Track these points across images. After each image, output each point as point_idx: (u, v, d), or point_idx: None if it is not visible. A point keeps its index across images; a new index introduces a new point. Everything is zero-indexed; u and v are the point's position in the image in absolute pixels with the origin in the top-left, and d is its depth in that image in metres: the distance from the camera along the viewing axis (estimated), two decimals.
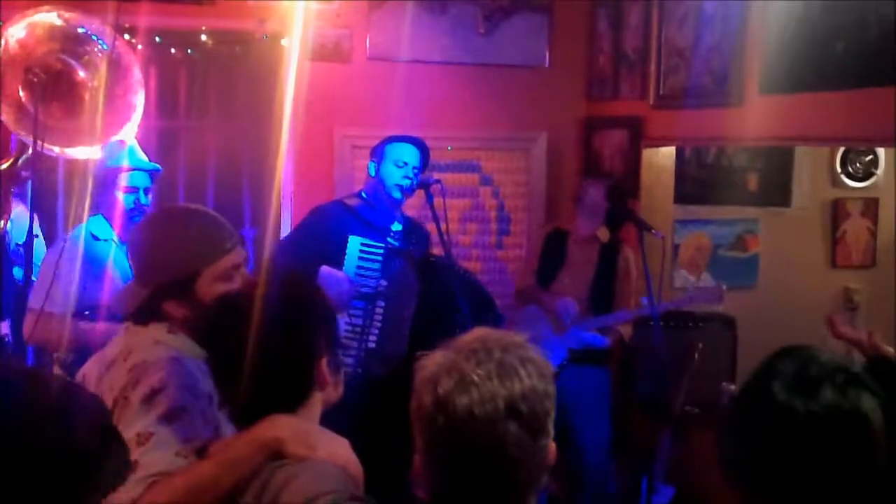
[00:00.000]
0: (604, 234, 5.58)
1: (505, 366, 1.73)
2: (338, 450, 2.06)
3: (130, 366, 2.38)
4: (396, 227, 4.81)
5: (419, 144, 4.81)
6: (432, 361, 1.78)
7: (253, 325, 2.06)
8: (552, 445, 1.79)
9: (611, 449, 5.49)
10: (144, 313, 2.52)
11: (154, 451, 2.19)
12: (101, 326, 4.03)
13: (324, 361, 2.13)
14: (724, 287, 5.31)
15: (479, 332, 1.83)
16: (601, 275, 5.52)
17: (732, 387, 5.44)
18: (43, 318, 3.92)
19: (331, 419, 2.19)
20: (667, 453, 5.21)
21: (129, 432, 2.19)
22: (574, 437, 5.35)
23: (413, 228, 4.91)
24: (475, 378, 1.71)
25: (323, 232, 4.69)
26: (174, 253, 2.51)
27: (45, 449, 1.15)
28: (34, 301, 3.99)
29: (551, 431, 1.78)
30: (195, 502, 2.05)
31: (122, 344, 2.52)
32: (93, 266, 4.14)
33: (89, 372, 2.55)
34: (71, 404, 1.26)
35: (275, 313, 2.08)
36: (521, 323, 5.41)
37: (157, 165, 4.46)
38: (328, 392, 2.16)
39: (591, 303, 5.46)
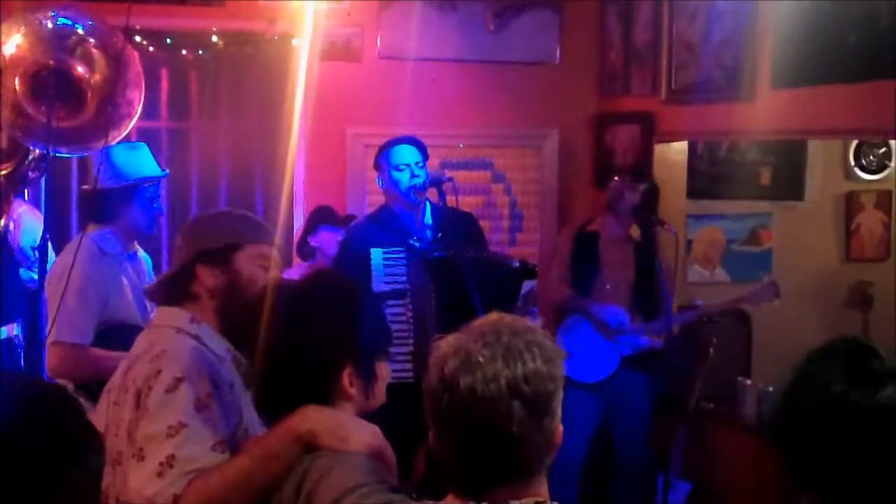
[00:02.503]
0: (636, 231, 5.49)
1: (511, 348, 1.76)
2: (370, 439, 2.08)
3: (152, 356, 2.38)
4: (422, 226, 4.77)
5: (412, 141, 4.80)
6: (445, 343, 1.82)
7: (275, 328, 2.14)
8: (559, 427, 1.82)
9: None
10: (177, 285, 2.57)
11: (189, 445, 2.19)
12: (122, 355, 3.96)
13: (346, 372, 2.13)
14: (778, 283, 5.32)
15: (493, 317, 1.86)
16: (642, 275, 5.41)
17: (748, 381, 5.44)
18: (64, 350, 3.81)
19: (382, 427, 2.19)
20: (683, 449, 5.19)
21: (158, 423, 2.22)
22: (617, 441, 5.36)
23: (448, 219, 4.84)
24: (480, 359, 1.75)
25: (353, 250, 4.70)
26: (223, 222, 2.68)
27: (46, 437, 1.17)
28: (56, 333, 3.81)
29: (558, 413, 1.81)
30: (234, 498, 2.09)
31: (145, 339, 2.53)
32: (109, 285, 4.01)
33: (115, 376, 2.53)
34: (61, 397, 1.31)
35: (295, 318, 2.13)
36: (566, 335, 5.31)
37: (166, 172, 4.40)
38: (359, 401, 2.16)
39: (635, 305, 5.38)
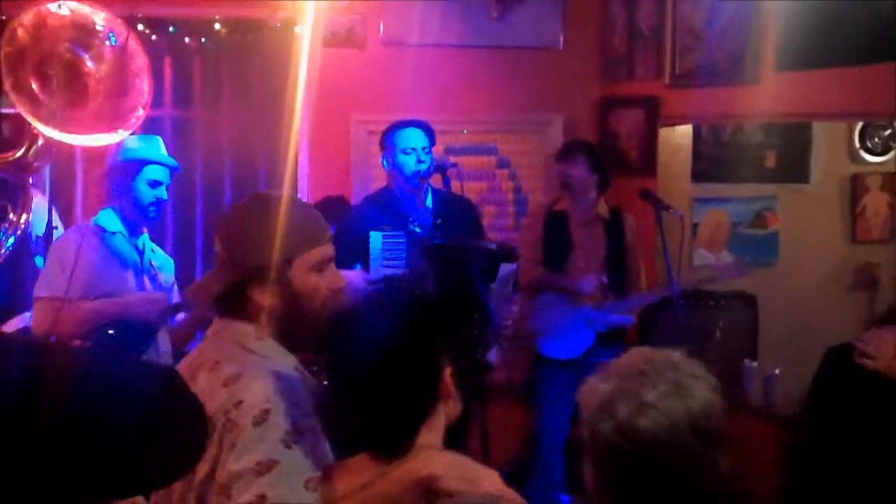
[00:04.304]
0: (603, 208, 5.51)
1: (679, 384, 1.73)
2: (497, 482, 1.91)
3: (224, 380, 2.17)
4: (423, 212, 4.76)
5: (420, 125, 4.80)
6: (597, 390, 1.76)
7: (372, 336, 1.96)
8: (727, 460, 1.78)
9: None
10: (229, 301, 2.30)
11: (282, 484, 2.00)
12: (113, 300, 4.02)
13: (448, 372, 2.00)
14: (747, 260, 5.32)
15: (640, 353, 1.82)
16: (613, 252, 5.46)
17: (755, 364, 5.44)
18: (46, 305, 3.90)
19: None
20: None
21: (246, 460, 2.02)
22: None
23: (449, 205, 4.86)
24: (652, 399, 1.70)
25: (351, 232, 4.67)
26: (270, 235, 2.26)
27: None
28: (43, 289, 3.96)
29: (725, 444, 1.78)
30: None
31: (208, 350, 2.33)
32: (106, 258, 4.12)
33: None
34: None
35: (397, 322, 1.98)
36: (540, 314, 5.36)
37: (177, 164, 4.45)
38: (450, 406, 2.03)
39: (608, 282, 5.40)
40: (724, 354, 5.31)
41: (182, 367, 2.29)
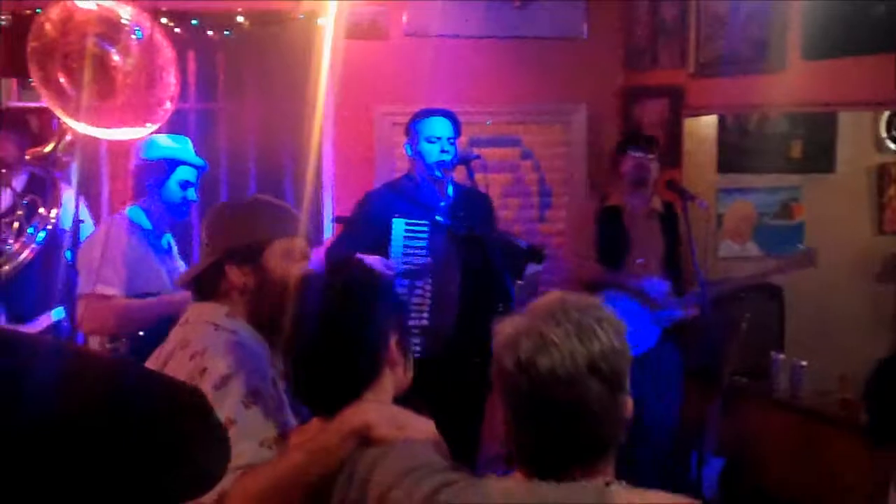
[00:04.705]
0: (657, 201, 5.46)
1: (583, 326, 1.75)
2: (426, 427, 2.07)
3: (191, 353, 2.38)
4: (444, 202, 4.75)
5: (448, 115, 4.78)
6: (511, 324, 1.80)
7: (322, 307, 2.12)
8: (629, 401, 1.82)
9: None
10: (208, 282, 2.57)
11: (238, 441, 2.10)
12: (161, 298, 3.99)
13: (394, 341, 2.15)
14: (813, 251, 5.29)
15: (554, 295, 1.85)
16: (670, 247, 5.39)
17: (782, 355, 5.42)
18: (96, 301, 3.88)
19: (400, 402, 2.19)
20: (716, 424, 5.17)
21: None
22: (645, 414, 5.33)
23: (467, 197, 4.84)
24: (554, 338, 1.73)
25: (370, 218, 4.68)
26: (249, 219, 2.61)
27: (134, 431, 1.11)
28: (84, 286, 3.95)
29: (628, 388, 1.81)
30: (284, 492, 2.06)
31: (180, 335, 2.52)
32: (137, 254, 4.10)
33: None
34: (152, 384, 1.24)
35: (345, 294, 2.13)
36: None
37: (206, 164, 4.45)
38: (398, 374, 2.17)
39: (666, 277, 5.33)
40: (751, 346, 5.27)
41: (157, 354, 2.54)
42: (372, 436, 2.01)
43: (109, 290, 3.94)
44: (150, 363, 2.48)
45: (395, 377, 2.16)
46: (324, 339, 2.10)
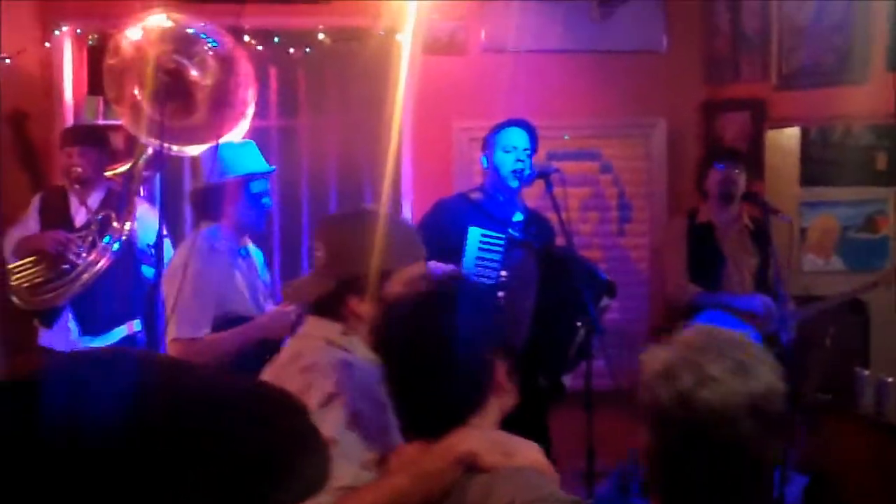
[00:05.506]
0: (745, 217, 5.40)
1: (744, 363, 1.71)
2: (536, 454, 1.99)
3: (301, 367, 2.36)
4: (518, 217, 4.76)
5: (526, 126, 4.76)
6: (660, 357, 1.76)
7: (429, 330, 2.02)
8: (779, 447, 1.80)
9: None
10: (326, 305, 2.50)
11: (339, 462, 2.10)
12: (246, 328, 3.97)
13: (501, 366, 2.06)
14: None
15: (703, 328, 1.83)
16: (763, 260, 5.31)
17: (867, 372, 5.31)
18: (185, 345, 3.86)
19: None
20: (800, 441, 5.09)
21: None
22: None
23: (535, 219, 4.85)
24: (715, 374, 1.69)
25: (444, 226, 4.66)
26: (372, 248, 2.44)
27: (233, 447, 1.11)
28: (185, 330, 3.90)
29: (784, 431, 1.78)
30: None
31: (294, 347, 2.52)
32: (221, 279, 4.07)
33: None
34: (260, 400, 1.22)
35: (455, 318, 2.03)
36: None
37: (274, 167, 4.45)
38: (504, 399, 2.08)
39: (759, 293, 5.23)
40: (835, 362, 5.18)
41: (273, 363, 2.51)
42: (478, 463, 1.93)
43: (199, 333, 3.93)
44: (266, 373, 2.46)
45: (501, 402, 2.08)
46: (427, 366, 2.02)
